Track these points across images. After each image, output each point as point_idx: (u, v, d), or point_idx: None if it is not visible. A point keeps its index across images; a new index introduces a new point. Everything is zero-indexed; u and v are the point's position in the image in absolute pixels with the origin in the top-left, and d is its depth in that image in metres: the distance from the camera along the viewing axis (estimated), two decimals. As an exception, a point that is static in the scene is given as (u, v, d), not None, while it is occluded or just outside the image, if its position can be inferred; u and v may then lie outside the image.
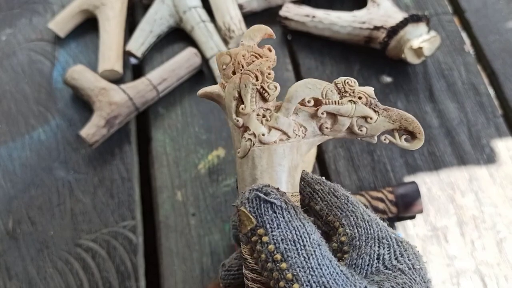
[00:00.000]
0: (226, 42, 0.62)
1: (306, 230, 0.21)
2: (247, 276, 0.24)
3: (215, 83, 0.56)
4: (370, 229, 0.24)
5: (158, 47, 0.66)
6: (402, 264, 0.23)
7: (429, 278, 0.23)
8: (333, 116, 0.25)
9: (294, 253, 0.20)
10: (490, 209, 0.52)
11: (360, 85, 0.25)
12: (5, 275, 0.51)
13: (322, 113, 0.24)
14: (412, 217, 0.52)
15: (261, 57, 0.25)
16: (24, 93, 0.64)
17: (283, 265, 0.20)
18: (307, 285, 0.20)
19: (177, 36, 0.66)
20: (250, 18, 0.66)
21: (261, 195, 0.21)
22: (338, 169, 0.55)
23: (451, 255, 0.50)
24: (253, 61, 0.25)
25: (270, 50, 0.26)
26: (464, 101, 0.59)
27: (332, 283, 0.20)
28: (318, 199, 0.25)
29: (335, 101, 0.24)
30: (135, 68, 0.66)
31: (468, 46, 0.64)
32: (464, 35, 0.65)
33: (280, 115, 0.24)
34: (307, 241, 0.21)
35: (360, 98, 0.24)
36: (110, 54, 0.62)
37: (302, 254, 0.20)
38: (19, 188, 0.57)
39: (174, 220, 0.53)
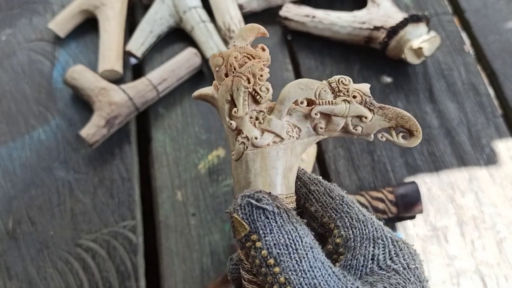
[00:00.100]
0: (226, 42, 0.62)
1: (298, 233, 0.21)
2: (244, 277, 0.24)
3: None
4: (365, 230, 0.24)
5: (158, 47, 0.66)
6: (396, 264, 0.23)
7: (426, 278, 0.23)
8: (327, 116, 0.24)
9: (286, 257, 0.21)
10: (490, 209, 0.52)
11: None
12: (5, 275, 0.51)
13: (315, 114, 0.24)
14: (412, 217, 0.52)
15: (254, 58, 0.25)
16: (24, 93, 0.64)
17: (276, 269, 0.21)
18: (299, 287, 0.20)
19: (177, 36, 0.66)
20: (250, 18, 0.66)
21: (253, 201, 0.21)
22: (338, 169, 0.55)
23: (451, 255, 0.50)
24: (245, 63, 0.25)
25: (263, 49, 0.25)
26: (464, 101, 0.59)
27: (324, 285, 0.20)
28: (313, 200, 0.25)
29: (328, 101, 0.24)
30: (135, 68, 0.66)
31: (468, 46, 0.64)
32: (464, 35, 0.65)
33: (273, 118, 0.24)
34: (299, 245, 0.21)
35: (354, 97, 0.24)
36: (110, 54, 0.62)
37: (294, 257, 0.21)
38: (19, 188, 0.57)
39: (174, 220, 0.53)
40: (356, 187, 0.54)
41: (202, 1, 0.65)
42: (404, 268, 0.23)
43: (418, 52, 0.56)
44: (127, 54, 0.64)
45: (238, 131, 0.24)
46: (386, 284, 0.22)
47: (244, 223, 0.21)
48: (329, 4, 0.67)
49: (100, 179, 0.56)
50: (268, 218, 0.21)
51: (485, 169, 0.54)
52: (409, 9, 0.67)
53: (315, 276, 0.20)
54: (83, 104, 0.62)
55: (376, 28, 0.58)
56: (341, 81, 0.24)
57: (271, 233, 0.21)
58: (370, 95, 0.24)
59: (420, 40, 0.56)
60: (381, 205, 0.50)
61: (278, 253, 0.21)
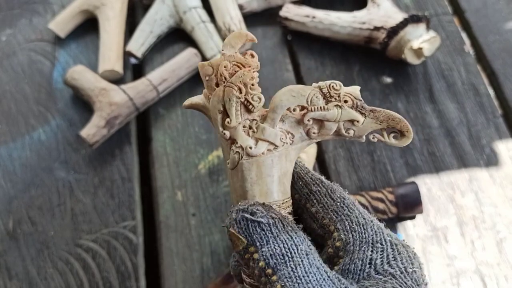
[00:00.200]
0: (226, 42, 0.62)
1: (293, 242, 0.22)
2: (245, 280, 0.24)
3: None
4: (364, 233, 0.24)
5: (158, 48, 0.66)
6: (393, 268, 0.23)
7: (424, 281, 0.23)
8: (319, 121, 0.24)
9: (283, 266, 0.22)
10: (490, 209, 0.52)
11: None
12: (5, 275, 0.51)
13: (308, 120, 0.24)
14: (412, 217, 0.52)
15: (244, 66, 0.25)
16: (24, 93, 0.64)
17: (274, 277, 0.21)
18: None
19: (177, 36, 0.66)
20: (250, 18, 0.66)
21: (247, 215, 0.22)
22: (338, 169, 0.55)
23: (451, 255, 0.50)
24: (235, 71, 0.24)
25: (252, 56, 0.25)
26: (464, 102, 0.59)
27: None
28: (315, 201, 0.25)
29: (320, 107, 0.24)
30: (135, 69, 0.66)
31: (468, 46, 0.64)
32: (464, 35, 0.65)
33: (267, 126, 0.24)
34: (295, 253, 0.22)
35: (346, 101, 0.24)
36: (110, 54, 0.62)
37: (290, 265, 0.21)
38: (19, 188, 0.57)
39: (174, 220, 0.53)
40: (356, 188, 0.54)
41: (202, 1, 0.66)
42: (402, 272, 0.23)
43: (418, 52, 0.56)
44: (127, 54, 0.64)
45: (232, 141, 0.24)
46: None
47: (241, 237, 0.22)
48: (329, 4, 0.67)
49: (100, 179, 0.56)
50: (264, 230, 0.22)
51: (485, 169, 0.55)
52: (409, 9, 0.67)
53: (309, 281, 0.21)
54: (83, 105, 0.62)
55: (376, 29, 0.58)
56: (332, 86, 0.24)
57: (267, 244, 0.22)
58: (361, 99, 0.24)
59: (420, 40, 0.56)
60: (381, 206, 0.50)
61: (275, 262, 0.22)
